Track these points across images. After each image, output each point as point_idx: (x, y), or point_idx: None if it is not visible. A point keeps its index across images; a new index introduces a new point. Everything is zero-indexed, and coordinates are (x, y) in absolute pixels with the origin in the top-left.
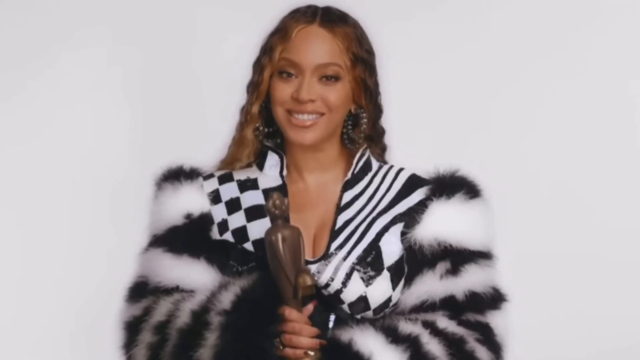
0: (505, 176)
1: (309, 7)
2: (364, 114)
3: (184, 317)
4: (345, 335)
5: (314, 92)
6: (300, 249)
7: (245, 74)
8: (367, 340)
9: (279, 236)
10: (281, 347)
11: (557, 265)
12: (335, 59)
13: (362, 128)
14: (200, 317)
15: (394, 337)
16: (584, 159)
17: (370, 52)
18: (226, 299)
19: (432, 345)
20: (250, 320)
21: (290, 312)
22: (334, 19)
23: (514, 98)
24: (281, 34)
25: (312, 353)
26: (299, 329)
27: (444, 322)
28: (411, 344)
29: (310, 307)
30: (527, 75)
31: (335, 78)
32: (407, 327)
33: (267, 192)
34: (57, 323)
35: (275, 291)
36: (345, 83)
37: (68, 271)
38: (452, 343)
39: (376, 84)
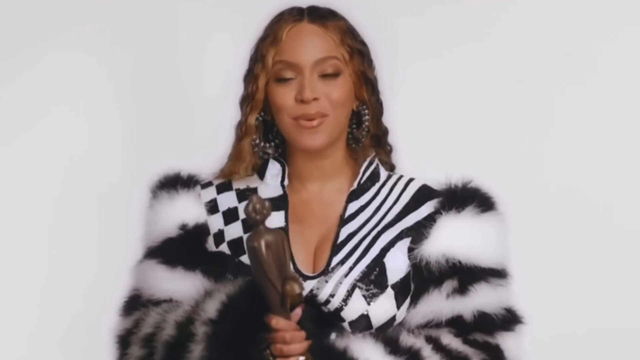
0: (515, 181)
1: (293, 8)
2: (366, 110)
3: (169, 329)
4: (341, 342)
5: (317, 90)
6: (286, 254)
7: (236, 77)
8: (364, 348)
9: (262, 242)
10: (271, 358)
11: (571, 276)
12: (332, 52)
13: (364, 125)
14: (185, 328)
15: (393, 348)
16: (598, 164)
17: (365, 45)
18: (212, 307)
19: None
20: (237, 329)
21: (277, 322)
22: (323, 14)
23: (524, 100)
24: (270, 38)
25: (302, 358)
26: (289, 338)
27: (448, 338)
28: (411, 356)
29: (298, 312)
30: (538, 76)
31: (336, 73)
32: (408, 339)
33: None
34: (43, 336)
35: (262, 298)
36: (346, 77)
37: (52, 281)
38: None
39: (375, 76)
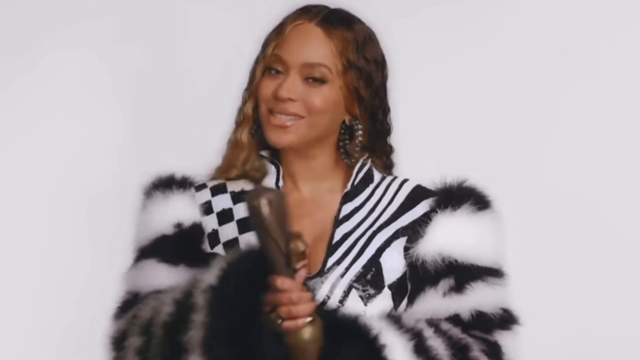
0: (516, 184)
1: (317, 6)
2: (359, 126)
3: (166, 308)
4: (349, 312)
5: (295, 91)
6: (287, 212)
7: (240, 77)
8: (373, 321)
9: (263, 200)
10: (279, 322)
11: (574, 282)
12: (324, 60)
13: (357, 141)
14: (184, 302)
15: (399, 326)
16: (602, 168)
17: (369, 61)
18: (211, 275)
19: (435, 342)
20: (239, 292)
21: (282, 282)
22: (335, 21)
23: (525, 101)
24: (277, 30)
25: (309, 319)
26: (297, 299)
27: (447, 325)
28: (415, 335)
29: (303, 274)
30: (539, 77)
31: (322, 80)
32: (410, 321)
33: None
34: (39, 340)
35: (265, 261)
36: (333, 88)
37: (49, 281)
38: (456, 346)
39: (373, 96)
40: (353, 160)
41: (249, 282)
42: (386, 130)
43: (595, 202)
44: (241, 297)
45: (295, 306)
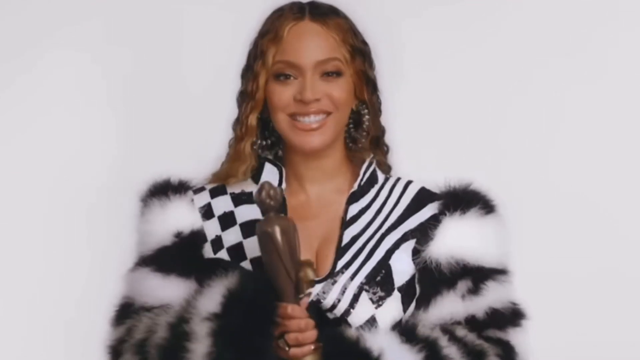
0: (519, 186)
1: (293, 4)
2: (365, 110)
3: (161, 332)
4: (352, 332)
5: (318, 90)
6: (297, 241)
7: (235, 80)
8: (378, 337)
9: (277, 228)
10: (287, 348)
11: (574, 283)
12: (334, 53)
13: (364, 125)
14: (177, 328)
15: (409, 337)
16: (606, 170)
17: (366, 44)
18: (211, 303)
19: (451, 350)
20: (245, 320)
21: (293, 309)
22: (324, 12)
23: (528, 102)
24: (271, 35)
25: (312, 347)
26: (305, 325)
27: (463, 331)
28: (427, 345)
29: (306, 301)
30: (542, 77)
31: (337, 73)
32: (424, 330)
33: None
34: (35, 343)
35: (266, 288)
36: (347, 77)
37: (46, 282)
38: (472, 353)
39: (376, 76)
40: (360, 146)
41: (255, 309)
42: (380, 108)
43: (597, 203)
44: (248, 324)
45: (303, 333)
